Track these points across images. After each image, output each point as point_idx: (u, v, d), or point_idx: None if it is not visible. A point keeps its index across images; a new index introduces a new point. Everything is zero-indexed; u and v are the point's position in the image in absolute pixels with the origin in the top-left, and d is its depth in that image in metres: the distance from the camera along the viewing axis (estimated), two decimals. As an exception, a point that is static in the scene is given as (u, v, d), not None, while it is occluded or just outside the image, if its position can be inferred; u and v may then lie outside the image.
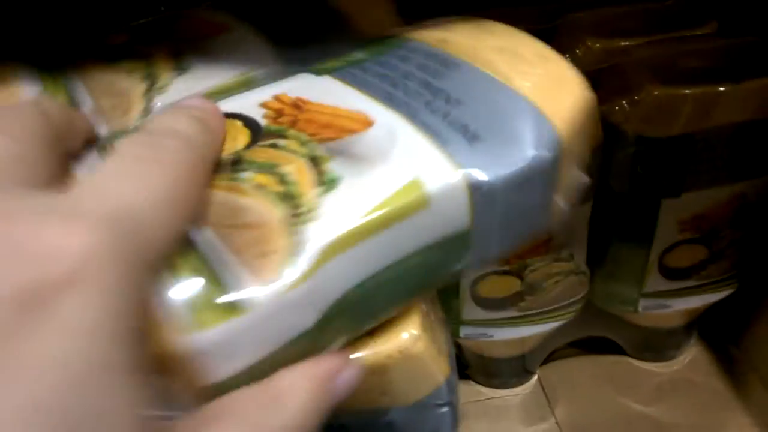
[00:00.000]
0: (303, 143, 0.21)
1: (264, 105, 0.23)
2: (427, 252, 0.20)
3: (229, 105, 0.23)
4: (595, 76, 0.36)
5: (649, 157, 0.36)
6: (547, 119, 0.21)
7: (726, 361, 0.47)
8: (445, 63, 0.24)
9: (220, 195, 0.19)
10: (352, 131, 0.21)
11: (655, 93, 0.34)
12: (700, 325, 0.48)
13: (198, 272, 0.17)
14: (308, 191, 0.19)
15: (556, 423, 0.45)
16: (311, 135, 0.21)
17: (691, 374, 0.47)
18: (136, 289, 0.13)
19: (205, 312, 0.16)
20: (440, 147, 0.20)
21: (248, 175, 0.19)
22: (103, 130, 0.22)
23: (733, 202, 0.38)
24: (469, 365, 0.48)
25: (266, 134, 0.22)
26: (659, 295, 0.42)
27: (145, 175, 0.16)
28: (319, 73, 0.24)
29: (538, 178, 0.20)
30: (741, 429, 0.43)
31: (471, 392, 0.48)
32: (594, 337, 0.49)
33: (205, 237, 0.18)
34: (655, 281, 0.41)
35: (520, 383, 0.48)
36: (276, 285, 0.17)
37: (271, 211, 0.18)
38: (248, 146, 0.21)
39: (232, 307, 0.16)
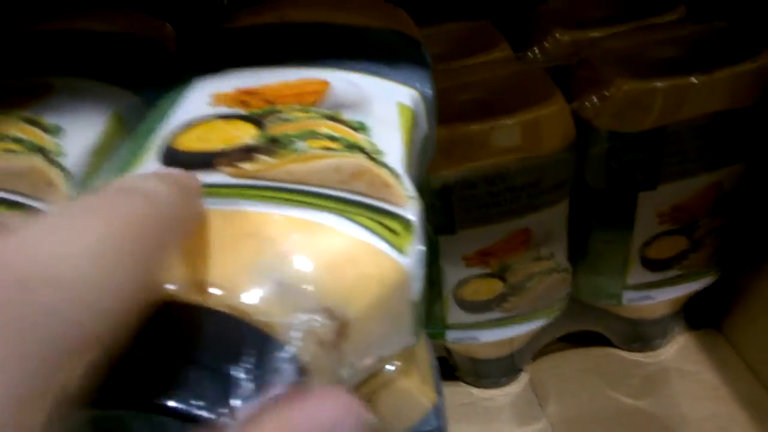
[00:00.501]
0: (303, 111, 0.23)
1: (219, 102, 0.24)
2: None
3: (185, 115, 0.23)
4: (566, 72, 0.36)
5: (622, 152, 0.36)
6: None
7: (713, 349, 0.48)
8: None
9: (315, 164, 0.21)
10: (322, 91, 0.24)
11: (625, 88, 0.34)
12: (686, 312, 0.48)
13: (371, 220, 0.19)
14: (358, 138, 0.22)
15: (548, 422, 0.45)
16: (300, 104, 0.24)
17: (680, 363, 0.47)
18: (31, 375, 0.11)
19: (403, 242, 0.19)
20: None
21: (304, 145, 0.22)
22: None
23: (710, 191, 0.38)
24: (457, 368, 0.48)
25: (263, 117, 0.23)
26: (643, 287, 0.42)
27: (80, 226, 0.14)
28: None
29: None
30: (731, 417, 0.44)
31: (461, 394, 0.48)
32: (581, 331, 0.49)
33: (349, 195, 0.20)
34: (638, 273, 0.41)
35: (510, 381, 0.48)
36: (411, 201, 0.21)
37: (358, 159, 0.21)
38: (264, 129, 0.22)
39: (411, 228, 0.20)
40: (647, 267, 0.41)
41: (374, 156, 0.22)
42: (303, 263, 0.18)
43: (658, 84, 0.34)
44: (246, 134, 0.23)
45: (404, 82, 0.26)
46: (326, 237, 0.18)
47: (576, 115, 0.35)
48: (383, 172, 0.21)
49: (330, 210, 0.19)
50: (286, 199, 0.20)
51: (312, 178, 0.21)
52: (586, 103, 0.34)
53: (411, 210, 0.20)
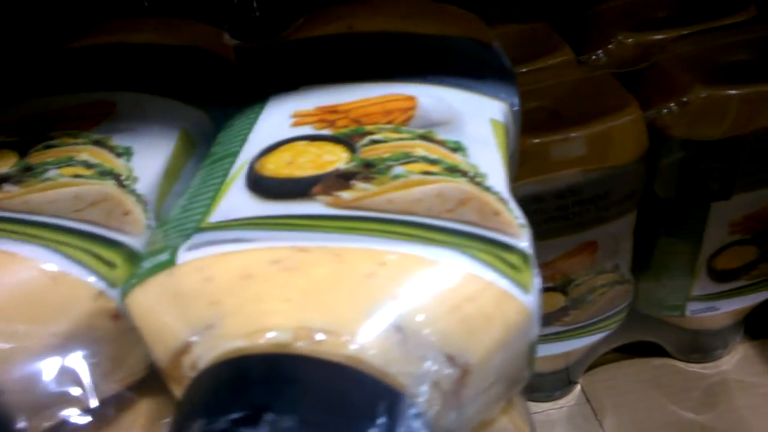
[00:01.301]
0: (394, 131, 0.22)
1: (301, 122, 0.23)
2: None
3: (267, 137, 0.22)
4: (635, 76, 0.35)
5: (698, 161, 0.34)
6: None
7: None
8: None
9: (417, 191, 0.20)
10: (410, 108, 0.23)
11: (703, 95, 0.32)
12: (747, 321, 0.47)
13: (488, 253, 0.18)
14: (457, 159, 0.21)
15: (607, 436, 0.44)
16: (389, 123, 0.23)
17: (741, 375, 0.46)
18: None
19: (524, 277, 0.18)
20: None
21: (402, 170, 0.20)
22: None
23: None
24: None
25: (353, 138, 0.22)
26: (707, 298, 0.41)
27: None
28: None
29: None
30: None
31: (513, 408, 0.46)
32: (637, 341, 0.47)
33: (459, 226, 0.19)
34: (703, 284, 0.40)
35: (564, 395, 0.47)
36: (523, 229, 0.19)
37: (461, 184, 0.20)
38: (356, 152, 0.21)
39: (530, 261, 0.18)
40: (713, 277, 0.40)
41: (477, 180, 0.20)
42: (422, 305, 0.17)
43: (738, 91, 0.32)
44: (338, 158, 0.21)
45: (493, 95, 0.25)
46: (444, 275, 0.17)
47: (648, 123, 0.34)
48: (490, 198, 0.20)
49: (444, 244, 0.18)
50: (394, 233, 0.18)
51: (417, 207, 0.19)
52: (662, 111, 0.33)
53: (525, 240, 0.19)
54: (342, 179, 0.20)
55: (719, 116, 0.33)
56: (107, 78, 0.27)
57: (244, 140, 0.23)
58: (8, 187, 0.21)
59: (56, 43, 0.30)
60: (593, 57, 0.37)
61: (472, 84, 0.25)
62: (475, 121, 0.23)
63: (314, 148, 0.22)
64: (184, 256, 0.18)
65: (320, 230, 0.18)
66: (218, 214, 0.20)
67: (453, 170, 0.21)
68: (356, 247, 0.17)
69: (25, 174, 0.22)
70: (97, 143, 0.24)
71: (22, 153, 0.23)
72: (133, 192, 0.22)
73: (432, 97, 0.24)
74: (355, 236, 0.18)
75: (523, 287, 0.18)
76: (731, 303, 0.42)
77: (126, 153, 0.23)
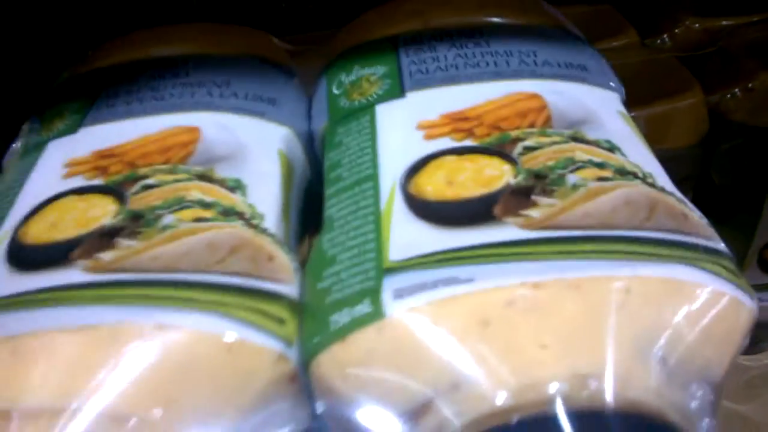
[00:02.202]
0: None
1: (74, 172, 0.21)
2: None
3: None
4: (699, 61, 0.35)
5: (757, 148, 0.34)
6: None
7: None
8: None
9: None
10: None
11: None
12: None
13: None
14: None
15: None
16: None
17: (784, 367, 0.47)
18: None
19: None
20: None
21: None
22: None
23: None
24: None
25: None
26: (756, 289, 0.42)
27: None
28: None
29: None
30: None
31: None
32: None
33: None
34: (753, 275, 0.41)
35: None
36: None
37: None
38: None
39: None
40: (764, 269, 0.40)
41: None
42: (675, 331, 0.15)
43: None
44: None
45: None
46: (690, 295, 0.16)
47: (710, 108, 0.34)
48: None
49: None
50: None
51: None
52: (727, 96, 0.33)
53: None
54: (104, 238, 0.19)
55: (783, 101, 0.33)
56: (172, 97, 0.24)
57: (374, 161, 0.21)
58: (125, 242, 0.18)
59: (89, 57, 0.27)
60: (658, 41, 0.37)
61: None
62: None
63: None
64: (394, 305, 0.16)
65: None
66: (398, 250, 0.17)
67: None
68: (597, 275, 0.16)
69: (138, 224, 0.19)
70: (202, 177, 0.21)
71: (119, 197, 0.20)
72: (265, 232, 0.20)
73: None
74: (594, 262, 0.16)
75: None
76: (779, 297, 0.42)
77: (238, 186, 0.21)
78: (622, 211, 0.18)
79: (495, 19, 0.27)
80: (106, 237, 0.19)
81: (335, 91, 0.25)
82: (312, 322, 0.17)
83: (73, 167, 0.22)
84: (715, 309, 0.16)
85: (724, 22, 0.35)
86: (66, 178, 0.21)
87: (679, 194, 0.19)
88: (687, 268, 0.16)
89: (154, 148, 0.22)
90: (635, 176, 0.19)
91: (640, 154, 0.20)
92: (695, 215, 0.19)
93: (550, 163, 0.19)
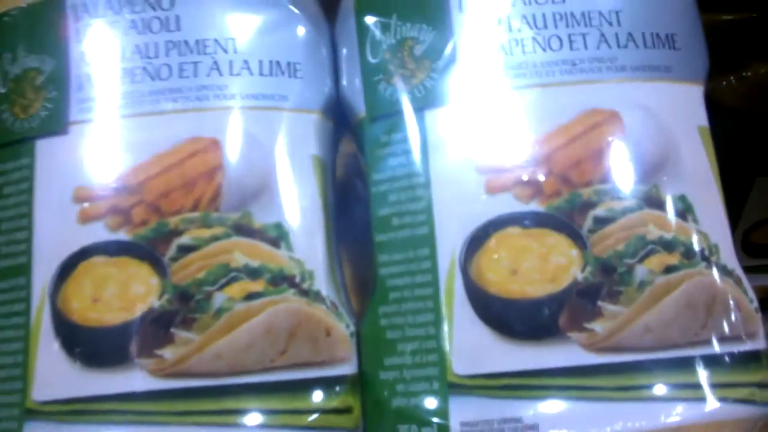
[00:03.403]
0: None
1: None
2: None
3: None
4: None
5: (747, 134, 0.31)
6: None
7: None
8: None
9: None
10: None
11: (762, 71, 0.29)
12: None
13: None
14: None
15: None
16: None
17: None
18: None
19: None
20: None
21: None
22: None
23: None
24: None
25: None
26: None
27: None
28: None
29: None
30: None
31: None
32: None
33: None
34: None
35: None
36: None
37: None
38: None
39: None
40: (747, 252, 0.40)
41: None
42: None
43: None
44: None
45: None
46: None
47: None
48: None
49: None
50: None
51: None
52: (722, 83, 0.29)
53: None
54: (160, 327, 0.19)
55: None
56: (171, 76, 0.20)
57: (429, 217, 0.19)
58: (183, 334, 0.18)
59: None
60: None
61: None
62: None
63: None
64: None
65: (596, 397, 0.18)
66: (463, 362, 0.18)
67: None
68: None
69: (189, 308, 0.19)
70: (241, 231, 0.20)
71: (157, 265, 0.19)
72: (318, 296, 0.20)
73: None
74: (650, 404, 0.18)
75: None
76: (762, 278, 0.43)
77: (281, 235, 0.20)
78: (682, 317, 0.18)
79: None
80: (160, 327, 0.19)
81: (371, 59, 0.21)
82: (379, 422, 0.19)
83: (87, 206, 0.19)
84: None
85: (725, 17, 0.30)
86: (84, 224, 0.19)
87: (738, 270, 0.20)
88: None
89: (175, 182, 0.19)
90: (702, 255, 0.19)
91: (710, 210, 0.20)
92: (749, 304, 0.19)
93: (620, 247, 0.19)
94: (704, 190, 0.20)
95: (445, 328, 0.19)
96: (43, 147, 0.20)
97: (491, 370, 0.18)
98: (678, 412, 0.18)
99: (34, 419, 0.18)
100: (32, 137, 0.20)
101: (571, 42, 0.20)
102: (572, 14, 0.20)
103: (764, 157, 0.37)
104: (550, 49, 0.20)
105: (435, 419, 0.18)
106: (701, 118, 0.21)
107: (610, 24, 0.20)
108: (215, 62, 0.20)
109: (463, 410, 0.18)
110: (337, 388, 0.19)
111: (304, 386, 0.19)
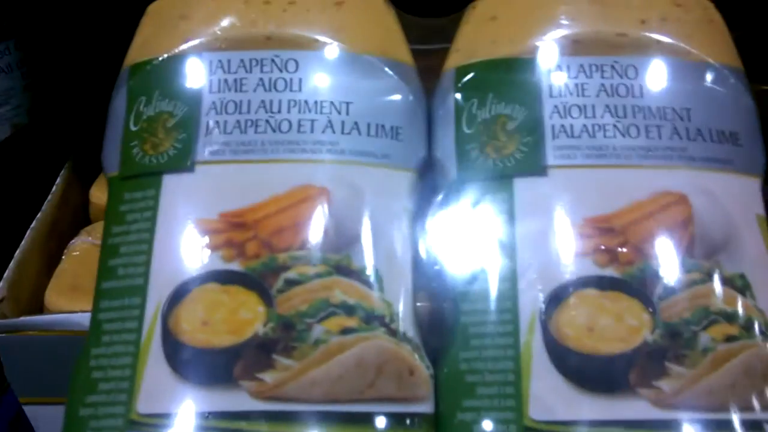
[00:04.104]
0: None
1: (582, 249, 0.22)
2: None
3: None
4: None
5: None
6: None
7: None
8: None
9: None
10: (689, 219, 0.22)
11: None
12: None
13: None
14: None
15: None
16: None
17: None
18: None
19: None
20: None
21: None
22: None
23: None
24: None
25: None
26: None
27: None
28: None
29: None
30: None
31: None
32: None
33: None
34: None
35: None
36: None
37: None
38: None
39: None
40: None
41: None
42: None
43: None
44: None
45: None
46: None
47: None
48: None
49: None
50: None
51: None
52: None
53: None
54: (262, 352, 0.21)
55: None
56: (290, 130, 0.23)
57: (513, 272, 0.22)
58: (283, 360, 0.20)
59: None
60: None
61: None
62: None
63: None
64: None
65: None
66: (538, 409, 0.20)
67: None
68: None
69: (290, 337, 0.21)
70: (342, 270, 0.22)
71: (264, 295, 0.21)
72: (404, 337, 0.22)
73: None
74: None
75: None
76: None
77: (375, 278, 0.22)
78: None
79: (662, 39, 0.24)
80: (263, 352, 0.21)
81: (466, 130, 0.23)
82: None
83: (205, 236, 0.22)
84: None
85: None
86: (201, 253, 0.22)
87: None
88: None
89: (287, 222, 0.22)
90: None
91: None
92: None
93: (686, 315, 0.21)
94: (761, 271, 0.22)
95: (524, 377, 0.21)
96: (170, 181, 0.23)
97: (565, 418, 0.20)
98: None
99: (136, 429, 0.20)
100: (160, 172, 0.23)
101: (647, 131, 0.23)
102: (649, 108, 0.23)
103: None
104: (629, 136, 0.23)
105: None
106: (759, 207, 0.23)
107: (681, 119, 0.23)
108: (329, 121, 0.23)
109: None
110: (418, 424, 0.21)
111: (389, 419, 0.20)
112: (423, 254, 0.23)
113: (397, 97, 0.24)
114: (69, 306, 0.26)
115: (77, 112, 0.34)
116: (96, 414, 0.21)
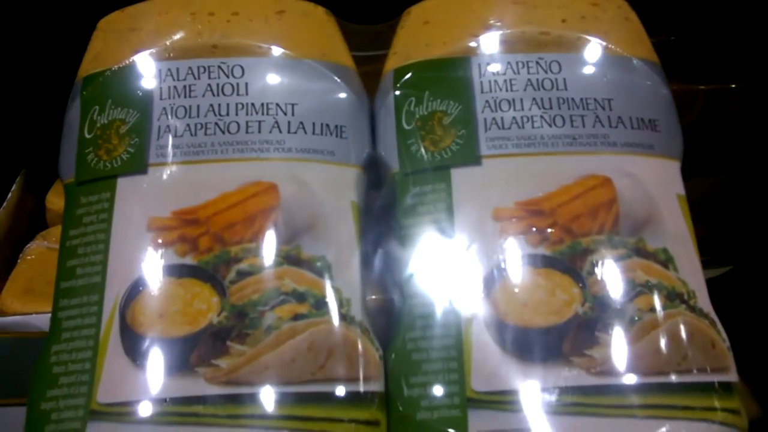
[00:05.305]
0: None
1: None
2: None
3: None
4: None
5: None
6: None
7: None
8: None
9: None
10: (614, 200, 0.24)
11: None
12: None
13: None
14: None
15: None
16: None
17: None
18: None
19: None
20: None
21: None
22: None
23: None
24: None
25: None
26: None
27: None
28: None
29: None
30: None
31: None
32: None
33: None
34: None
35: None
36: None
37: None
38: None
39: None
40: None
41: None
42: None
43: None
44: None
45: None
46: None
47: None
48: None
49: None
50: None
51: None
52: None
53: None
54: (217, 340, 0.22)
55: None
56: (239, 131, 0.25)
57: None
58: (237, 347, 0.22)
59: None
60: None
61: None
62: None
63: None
64: None
65: (600, 413, 0.22)
66: (481, 381, 0.22)
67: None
68: None
69: (244, 324, 0.22)
70: (291, 260, 0.23)
71: (218, 286, 0.23)
72: (353, 321, 0.23)
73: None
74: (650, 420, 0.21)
75: None
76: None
77: (324, 266, 0.24)
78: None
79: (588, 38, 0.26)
80: (217, 340, 0.22)
81: (405, 126, 0.25)
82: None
83: (159, 234, 0.23)
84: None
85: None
86: (155, 249, 0.23)
87: (712, 314, 0.24)
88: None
89: (238, 217, 0.24)
90: (681, 299, 0.23)
91: (688, 263, 0.24)
92: (722, 343, 0.23)
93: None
94: (682, 245, 0.24)
95: (466, 352, 0.22)
96: (124, 184, 0.24)
97: (504, 387, 0.22)
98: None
99: (97, 419, 0.21)
100: (114, 175, 0.24)
101: (572, 121, 0.25)
102: (572, 99, 0.26)
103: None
104: (555, 125, 0.25)
105: (454, 427, 0.21)
106: (679, 187, 0.25)
107: (603, 109, 0.25)
108: (276, 122, 0.25)
109: (479, 421, 0.21)
110: (368, 402, 0.22)
111: (340, 398, 0.22)
112: (370, 245, 0.25)
113: (339, 97, 0.26)
114: (24, 308, 0.27)
115: (30, 124, 0.35)
116: (57, 407, 0.22)
